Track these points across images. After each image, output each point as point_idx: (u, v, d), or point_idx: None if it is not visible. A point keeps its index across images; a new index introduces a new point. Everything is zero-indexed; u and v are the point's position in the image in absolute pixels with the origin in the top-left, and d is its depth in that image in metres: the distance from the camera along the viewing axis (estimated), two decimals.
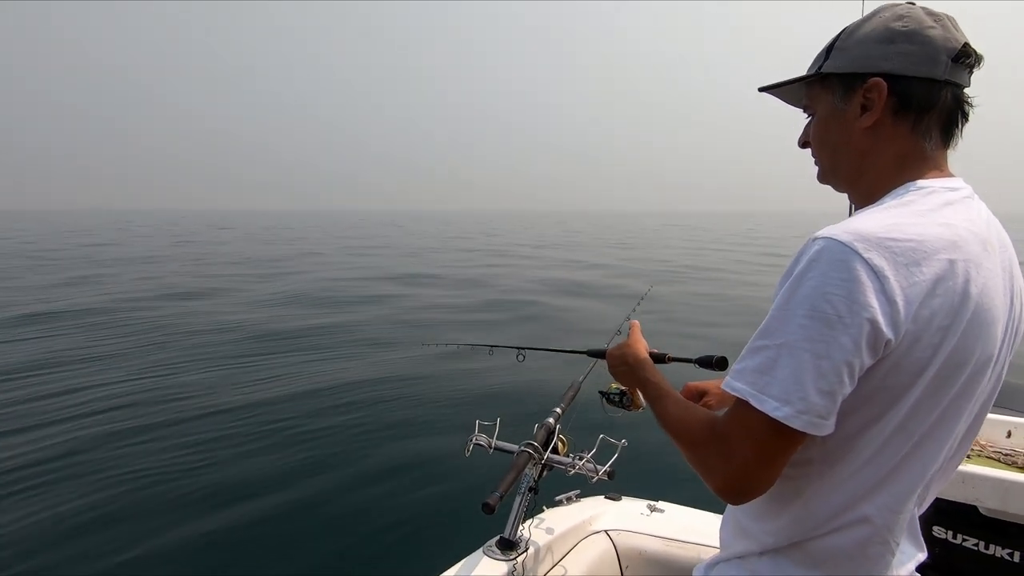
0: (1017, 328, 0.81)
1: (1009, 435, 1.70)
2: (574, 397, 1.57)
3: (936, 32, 0.77)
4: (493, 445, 1.51)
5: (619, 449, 1.42)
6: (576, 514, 1.72)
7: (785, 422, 0.68)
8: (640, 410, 1.30)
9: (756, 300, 11.20)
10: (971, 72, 0.80)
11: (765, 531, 0.83)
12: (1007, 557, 1.44)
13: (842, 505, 0.76)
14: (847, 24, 0.86)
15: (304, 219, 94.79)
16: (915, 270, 0.68)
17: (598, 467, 1.39)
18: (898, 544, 0.80)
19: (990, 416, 0.85)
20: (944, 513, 1.48)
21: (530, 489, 1.44)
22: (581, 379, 1.60)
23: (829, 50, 0.85)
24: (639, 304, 1.92)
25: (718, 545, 0.96)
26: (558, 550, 1.59)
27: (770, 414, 0.69)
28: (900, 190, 0.79)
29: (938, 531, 1.50)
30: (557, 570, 1.55)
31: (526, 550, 1.46)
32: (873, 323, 0.67)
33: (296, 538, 3.11)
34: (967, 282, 0.71)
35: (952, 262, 0.70)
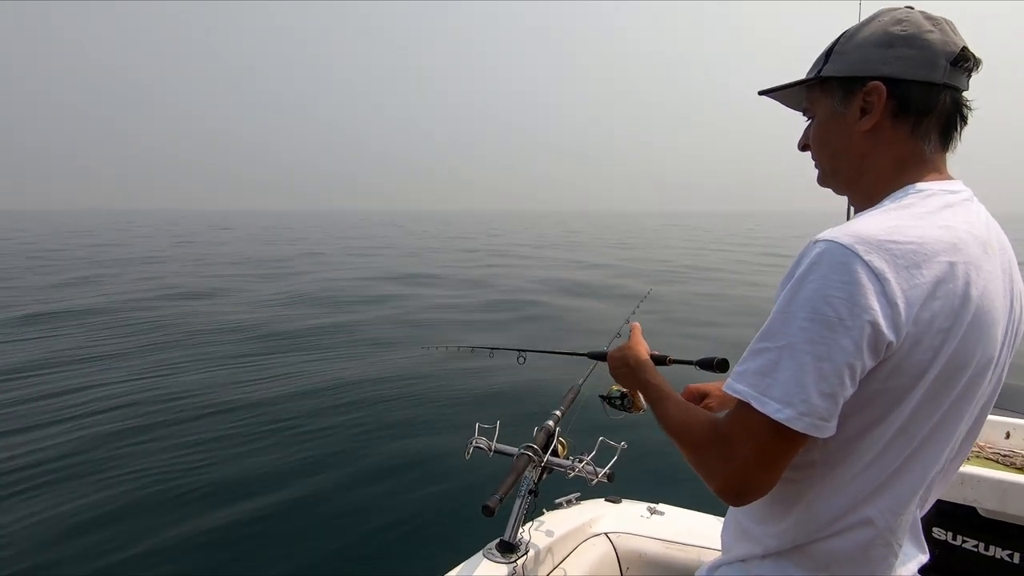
0: (1017, 330, 0.81)
1: (1008, 436, 1.70)
2: (574, 400, 1.57)
3: (935, 36, 0.78)
4: (493, 448, 1.51)
5: (618, 451, 1.42)
6: (576, 517, 1.72)
7: (787, 424, 0.69)
8: (641, 412, 1.30)
9: (757, 300, 11.20)
10: (969, 76, 0.80)
11: (767, 534, 0.83)
12: (1007, 558, 1.43)
13: (844, 507, 0.76)
14: (847, 26, 0.87)
15: (304, 219, 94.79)
16: (916, 272, 0.69)
17: (598, 469, 1.39)
18: (900, 546, 0.80)
19: (989, 417, 0.85)
20: (943, 514, 1.47)
21: (530, 492, 1.44)
22: (581, 382, 1.60)
23: (828, 54, 0.85)
24: (639, 306, 1.92)
25: (719, 547, 0.97)
26: (558, 552, 1.59)
27: (771, 416, 0.69)
28: (899, 193, 0.79)
29: (938, 532, 1.50)
30: (557, 573, 1.55)
31: (526, 553, 1.46)
32: (874, 325, 0.67)
33: (296, 538, 3.12)
34: (967, 284, 0.71)
35: (952, 264, 0.71)
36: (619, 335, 1.46)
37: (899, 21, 0.79)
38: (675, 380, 1.00)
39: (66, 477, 3.73)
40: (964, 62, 0.78)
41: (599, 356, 1.41)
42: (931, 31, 0.78)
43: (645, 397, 1.01)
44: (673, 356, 1.28)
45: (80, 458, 3.99)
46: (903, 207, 0.76)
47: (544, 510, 1.71)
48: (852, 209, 0.89)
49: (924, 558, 0.86)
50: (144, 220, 78.37)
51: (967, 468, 1.45)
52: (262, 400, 5.22)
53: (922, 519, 0.86)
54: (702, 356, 1.26)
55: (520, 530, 1.48)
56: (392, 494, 3.54)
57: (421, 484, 3.64)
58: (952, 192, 0.78)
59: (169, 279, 14.09)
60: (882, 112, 0.80)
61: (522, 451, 1.40)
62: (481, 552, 1.47)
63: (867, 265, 0.68)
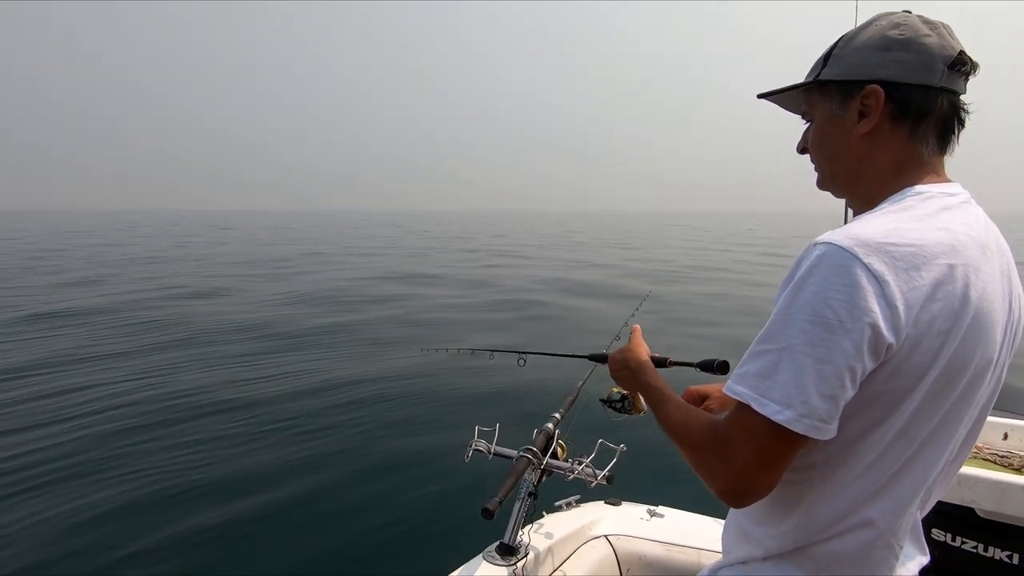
0: (1016, 332, 0.82)
1: (1006, 437, 1.70)
2: (573, 402, 1.57)
3: (932, 40, 0.78)
4: (492, 451, 1.51)
5: (617, 453, 1.42)
6: (576, 519, 1.72)
7: (787, 426, 0.69)
8: (642, 414, 1.30)
9: (758, 300, 11.20)
10: (967, 79, 0.81)
11: (768, 535, 0.84)
12: (1006, 559, 1.44)
13: (845, 509, 0.77)
14: (847, 26, 0.87)
15: (304, 219, 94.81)
16: (915, 275, 0.69)
17: (597, 472, 1.39)
18: (902, 547, 0.80)
19: (987, 418, 0.85)
20: (942, 515, 1.48)
21: (529, 494, 1.44)
22: (580, 384, 1.60)
23: (827, 57, 0.86)
24: (638, 308, 1.92)
25: (719, 549, 0.97)
26: (558, 555, 1.59)
27: (772, 418, 0.69)
28: (898, 195, 0.80)
29: (937, 534, 1.50)
30: (557, 575, 1.55)
31: (526, 555, 1.46)
32: (874, 327, 0.67)
33: (296, 537, 3.12)
34: (966, 286, 0.72)
35: (951, 267, 0.71)
36: (618, 337, 1.46)
37: (897, 25, 0.80)
38: (675, 382, 1.00)
39: (67, 477, 3.74)
40: (961, 66, 0.78)
41: (599, 358, 1.41)
42: (928, 35, 0.78)
43: (646, 399, 1.01)
44: (673, 358, 1.28)
45: (81, 457, 4.00)
46: (902, 210, 0.76)
47: (544, 513, 1.71)
48: (851, 212, 0.90)
49: (925, 559, 0.86)
50: (144, 220, 78.39)
51: (965, 469, 1.45)
52: (262, 400, 5.22)
53: (922, 520, 0.86)
54: (703, 358, 1.26)
55: (520, 533, 1.48)
56: (392, 495, 3.54)
57: (421, 486, 3.64)
58: (950, 195, 0.79)
59: (170, 279, 14.09)
60: (880, 115, 0.80)
61: (521, 454, 1.41)
62: (481, 555, 1.47)
63: (867, 268, 0.68)
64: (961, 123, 0.82)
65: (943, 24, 0.80)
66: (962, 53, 0.78)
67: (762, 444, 0.71)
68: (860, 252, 0.69)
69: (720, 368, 1.23)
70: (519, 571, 1.42)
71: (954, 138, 0.83)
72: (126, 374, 6.00)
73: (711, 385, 1.25)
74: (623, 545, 1.70)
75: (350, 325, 8.79)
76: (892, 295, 0.68)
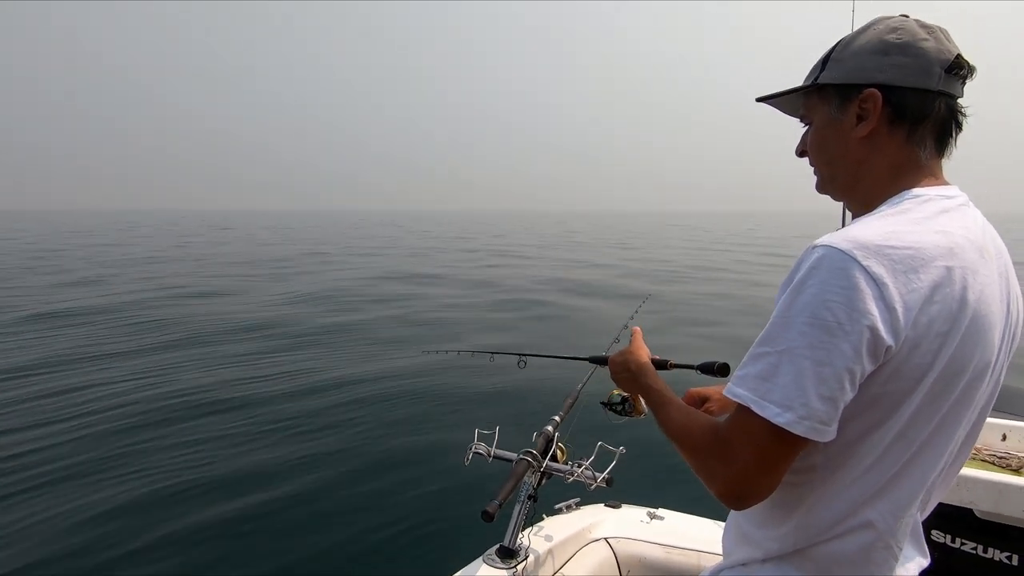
0: (1014, 334, 0.82)
1: (1004, 438, 1.70)
2: (573, 404, 1.57)
3: (929, 44, 0.79)
4: (492, 453, 1.50)
5: (617, 456, 1.42)
6: (576, 522, 1.72)
7: (787, 428, 0.69)
8: (642, 416, 1.30)
9: (759, 300, 11.20)
10: (964, 83, 0.81)
11: (768, 537, 0.84)
12: (1006, 560, 1.44)
13: (845, 511, 0.77)
14: (846, 26, 0.87)
15: (304, 219, 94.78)
16: (913, 277, 0.69)
17: (596, 474, 1.38)
18: (901, 549, 0.80)
19: (986, 419, 0.86)
20: (941, 516, 1.48)
21: (529, 497, 1.44)
22: (580, 387, 1.60)
23: (825, 61, 0.86)
24: (637, 311, 1.92)
25: (719, 552, 0.97)
26: (558, 558, 1.59)
27: (772, 420, 0.70)
28: (896, 198, 0.80)
29: (937, 535, 1.50)
30: None
31: (526, 558, 1.46)
32: (873, 330, 0.67)
33: (296, 538, 3.12)
34: (964, 289, 0.72)
35: (949, 269, 0.71)
36: (618, 340, 1.46)
37: (894, 29, 0.80)
38: (676, 384, 1.00)
39: (67, 477, 3.74)
40: (958, 69, 0.79)
41: (600, 361, 1.42)
42: (926, 39, 0.79)
43: (646, 401, 1.02)
44: (674, 360, 1.29)
45: (82, 457, 4.00)
46: (900, 212, 0.77)
47: (544, 515, 1.71)
48: (850, 215, 0.90)
49: (925, 562, 0.86)
50: (144, 220, 78.36)
51: (963, 470, 1.45)
52: (263, 399, 5.23)
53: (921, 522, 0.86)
54: (703, 360, 1.27)
55: (520, 535, 1.48)
56: (391, 497, 3.54)
57: (421, 486, 3.64)
58: (948, 197, 0.79)
59: (170, 279, 14.08)
60: (878, 119, 0.81)
61: (521, 456, 1.41)
62: (481, 558, 1.47)
63: (865, 270, 0.68)
64: (959, 126, 0.82)
65: (940, 28, 0.81)
66: (959, 57, 0.79)
67: (762, 446, 0.72)
68: (859, 255, 0.69)
69: (720, 370, 1.23)
70: (519, 574, 1.42)
71: (952, 141, 0.83)
72: (125, 374, 6.00)
73: (712, 387, 1.25)
74: (623, 548, 1.70)
75: (352, 325, 8.80)
76: (891, 297, 0.68)
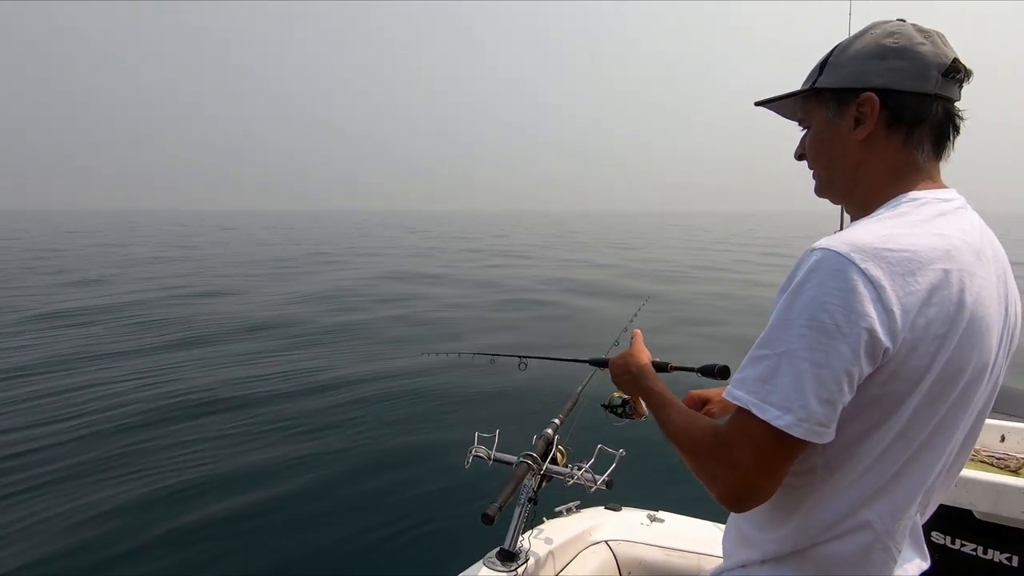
0: (1012, 336, 0.82)
1: (1003, 439, 1.71)
2: (573, 407, 1.57)
3: (926, 48, 0.79)
4: (492, 456, 1.50)
5: (617, 458, 1.42)
6: (576, 524, 1.72)
7: (786, 430, 0.69)
8: (643, 418, 1.31)
9: (760, 299, 11.20)
10: (961, 86, 0.82)
11: (767, 539, 0.84)
12: (1005, 562, 1.44)
13: (843, 512, 0.77)
14: (847, 24, 0.87)
15: (305, 219, 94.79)
16: (910, 280, 0.70)
17: (596, 477, 1.38)
18: (899, 550, 0.81)
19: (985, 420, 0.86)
20: (940, 517, 1.48)
21: (529, 500, 1.44)
22: (579, 389, 1.60)
23: (822, 66, 0.87)
24: (637, 314, 1.92)
25: (719, 554, 0.97)
26: (559, 560, 1.59)
27: (771, 423, 0.70)
28: (894, 201, 0.80)
29: (937, 536, 1.51)
30: None
31: (526, 561, 1.46)
32: (871, 332, 0.68)
33: (296, 536, 3.12)
34: (962, 291, 0.73)
35: (946, 272, 0.72)
36: (617, 343, 1.47)
37: (891, 34, 0.81)
38: (677, 387, 1.01)
39: (68, 476, 3.75)
40: (955, 73, 0.79)
41: (600, 363, 1.42)
42: (922, 43, 0.80)
43: (647, 404, 1.02)
44: (675, 363, 1.29)
45: (84, 457, 4.01)
46: (898, 215, 0.77)
47: (544, 518, 1.71)
48: (847, 217, 0.91)
49: (925, 564, 0.86)
50: (145, 220, 78.37)
51: (962, 471, 1.45)
52: (263, 399, 5.24)
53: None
54: (704, 362, 1.27)
55: (520, 538, 1.48)
56: (392, 497, 3.54)
57: (421, 488, 3.63)
58: (945, 200, 0.80)
59: (172, 279, 14.09)
60: (876, 122, 0.81)
61: (521, 459, 1.41)
62: (481, 561, 1.46)
63: (863, 273, 0.69)
64: (956, 129, 0.83)
65: (937, 32, 0.81)
66: (956, 60, 0.79)
67: (762, 449, 0.72)
68: (856, 257, 0.69)
69: (721, 373, 1.23)
70: None
71: (949, 144, 0.84)
72: (126, 373, 6.01)
73: (712, 389, 1.25)
74: (624, 550, 1.70)
75: (354, 325, 8.80)
76: (888, 300, 0.68)
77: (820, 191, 0.93)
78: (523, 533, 1.49)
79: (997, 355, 0.80)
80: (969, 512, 1.44)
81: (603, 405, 1.40)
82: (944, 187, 0.83)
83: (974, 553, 1.47)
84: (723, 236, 39.63)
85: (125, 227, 51.45)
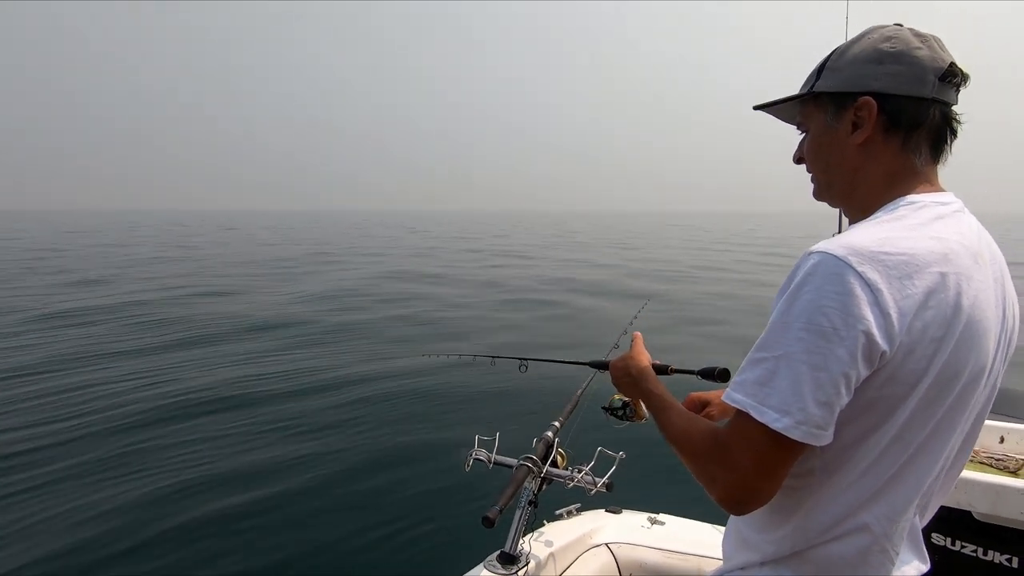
0: (1010, 340, 0.83)
1: (1002, 440, 1.71)
2: (573, 410, 1.57)
3: (923, 53, 0.80)
4: (492, 459, 1.50)
5: (617, 461, 1.42)
6: (576, 527, 1.72)
7: (785, 433, 0.70)
8: (643, 421, 1.31)
9: (761, 299, 11.21)
10: (958, 91, 0.82)
11: (766, 541, 0.85)
12: (1005, 563, 1.44)
13: (841, 514, 0.78)
14: (846, 24, 0.88)
15: (305, 219, 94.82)
16: (908, 283, 0.70)
17: (596, 479, 1.38)
18: (897, 552, 0.81)
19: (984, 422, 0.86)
20: (940, 519, 1.48)
21: (530, 503, 1.43)
22: (579, 392, 1.60)
23: (820, 70, 0.87)
24: (636, 316, 1.92)
25: (719, 557, 0.97)
26: (559, 563, 1.59)
27: (770, 425, 0.70)
28: (891, 205, 0.81)
29: (937, 538, 1.51)
30: None
31: (527, 564, 1.45)
32: (868, 335, 0.68)
33: (296, 535, 3.13)
34: (959, 294, 0.73)
35: (943, 275, 0.72)
36: (617, 345, 1.47)
37: (888, 38, 0.81)
38: (677, 389, 1.01)
39: (68, 476, 3.75)
40: (952, 77, 0.80)
41: (601, 365, 1.42)
42: (919, 48, 0.80)
43: (647, 406, 1.02)
44: (675, 366, 1.29)
45: (85, 456, 4.02)
46: (895, 219, 0.78)
47: (544, 521, 1.71)
48: (846, 221, 0.91)
49: (924, 567, 0.86)
50: (145, 220, 78.41)
51: (961, 472, 1.45)
52: (264, 398, 5.25)
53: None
54: (704, 366, 1.28)
55: (521, 541, 1.47)
56: (391, 500, 3.54)
57: (421, 490, 3.63)
58: (943, 204, 0.80)
59: (174, 279, 14.10)
60: (873, 126, 0.82)
61: (521, 462, 1.40)
62: (482, 564, 1.46)
63: (860, 276, 0.69)
64: (953, 133, 0.83)
65: (934, 37, 0.81)
66: (953, 65, 0.79)
67: (761, 452, 0.72)
68: (854, 261, 0.70)
69: (721, 376, 1.24)
70: None
71: (947, 148, 0.84)
72: (126, 373, 6.02)
73: (712, 392, 1.25)
74: (624, 553, 1.70)
75: (356, 325, 8.82)
76: (885, 303, 0.69)
77: (818, 195, 0.93)
78: (523, 536, 1.49)
79: (995, 358, 0.80)
80: (969, 513, 1.45)
81: (603, 407, 1.40)
82: (942, 191, 0.83)
83: (974, 554, 1.47)
84: (723, 236, 39.65)
85: (125, 227, 51.44)
